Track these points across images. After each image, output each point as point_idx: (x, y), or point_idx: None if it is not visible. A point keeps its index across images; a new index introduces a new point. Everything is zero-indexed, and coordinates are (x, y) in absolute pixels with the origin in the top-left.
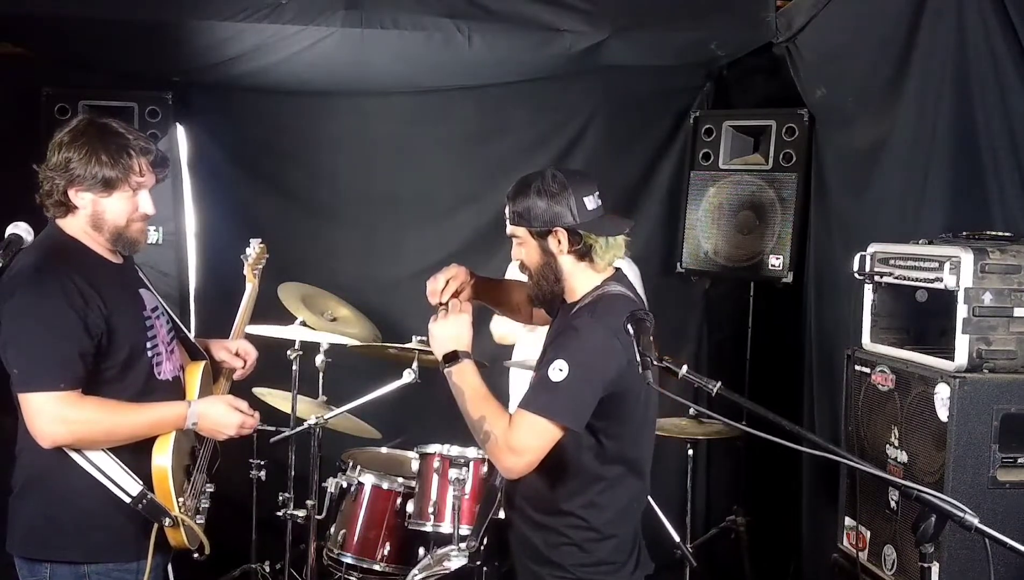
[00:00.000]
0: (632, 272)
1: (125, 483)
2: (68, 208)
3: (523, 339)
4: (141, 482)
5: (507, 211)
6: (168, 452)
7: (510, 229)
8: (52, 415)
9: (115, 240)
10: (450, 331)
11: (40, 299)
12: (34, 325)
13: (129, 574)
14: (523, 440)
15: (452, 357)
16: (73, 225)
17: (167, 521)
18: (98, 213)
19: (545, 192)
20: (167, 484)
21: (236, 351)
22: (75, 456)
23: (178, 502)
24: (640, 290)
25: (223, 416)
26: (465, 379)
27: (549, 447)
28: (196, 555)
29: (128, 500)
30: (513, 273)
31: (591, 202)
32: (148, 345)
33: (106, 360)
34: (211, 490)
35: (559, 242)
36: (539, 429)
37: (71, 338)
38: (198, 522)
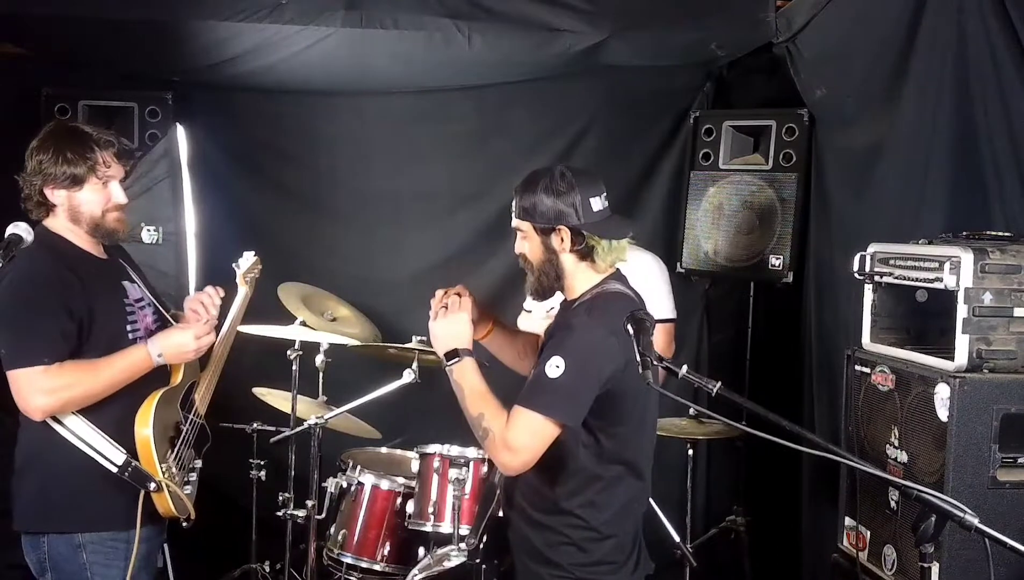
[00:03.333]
0: (658, 268)
1: (111, 454)
2: (47, 207)
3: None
4: (125, 451)
5: (514, 204)
6: (149, 423)
7: (515, 222)
8: (39, 388)
9: (94, 230)
10: (450, 329)
11: (23, 284)
12: (18, 308)
13: (121, 543)
14: (520, 438)
15: (452, 355)
16: (56, 224)
17: (152, 486)
18: (74, 207)
19: (552, 190)
20: (150, 451)
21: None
22: (64, 433)
23: (161, 467)
24: (666, 288)
25: (178, 337)
26: (465, 377)
27: (546, 444)
28: (184, 523)
29: (115, 469)
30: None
31: (597, 203)
32: (129, 330)
33: (87, 344)
34: (199, 466)
35: (562, 240)
36: (535, 426)
37: (53, 318)
38: (186, 492)
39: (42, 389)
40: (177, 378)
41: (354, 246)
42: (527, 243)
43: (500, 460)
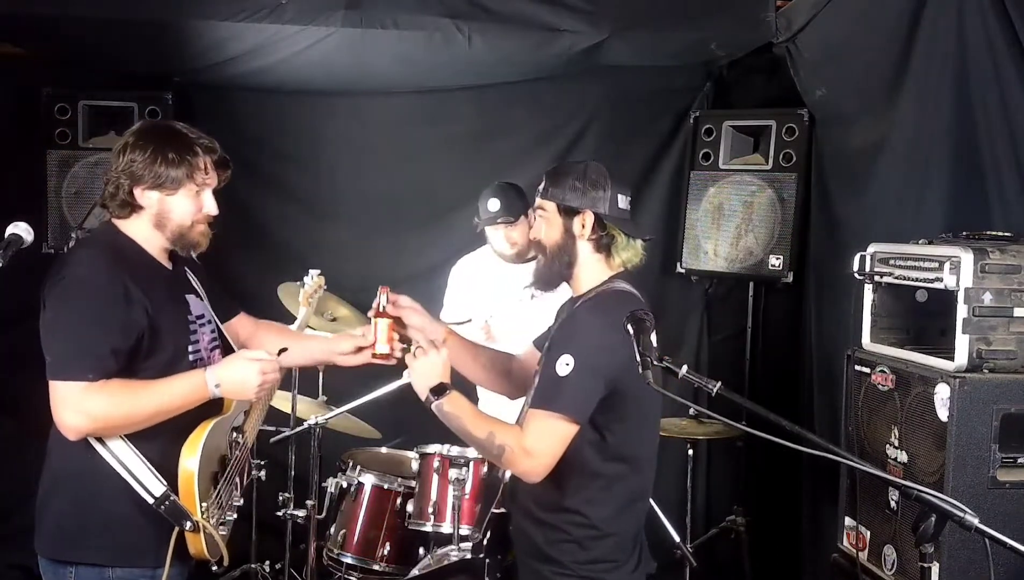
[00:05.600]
0: None
1: (150, 483)
2: (132, 208)
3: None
4: (166, 483)
5: (540, 186)
6: (197, 455)
7: (539, 201)
8: (77, 406)
9: (176, 240)
10: (434, 364)
11: (83, 290)
12: (73, 315)
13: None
14: (538, 441)
15: (440, 389)
16: (132, 226)
17: (188, 525)
18: (164, 212)
19: (586, 177)
20: (192, 487)
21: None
22: (104, 453)
23: (201, 506)
24: None
25: (242, 370)
26: (459, 404)
27: (565, 444)
28: (214, 567)
29: (151, 501)
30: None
31: (623, 202)
32: (191, 349)
33: (147, 360)
34: (239, 504)
35: (583, 225)
36: (552, 427)
37: (106, 332)
38: (221, 533)
39: (80, 408)
40: (230, 406)
41: (354, 246)
42: (545, 225)
43: (522, 469)
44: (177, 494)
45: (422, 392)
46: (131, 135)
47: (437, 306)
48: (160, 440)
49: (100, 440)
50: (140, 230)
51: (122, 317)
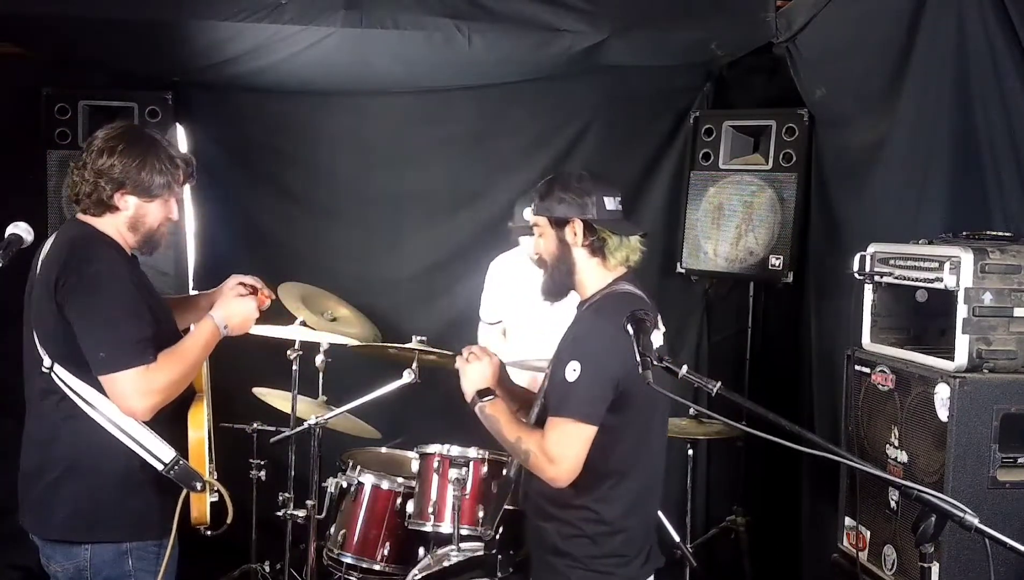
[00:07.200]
0: None
1: (159, 450)
2: (108, 208)
3: (509, 348)
4: (175, 449)
5: (533, 204)
6: (203, 427)
7: (532, 219)
8: (146, 388)
9: (145, 241)
10: (483, 370)
11: (112, 282)
12: (113, 307)
13: (156, 548)
14: (556, 447)
15: (486, 392)
16: (105, 224)
17: (198, 485)
18: (140, 216)
19: (569, 187)
20: (203, 452)
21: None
22: (112, 430)
23: (208, 468)
24: None
25: (242, 306)
26: (499, 408)
27: (585, 448)
28: (209, 532)
29: (160, 467)
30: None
31: (611, 203)
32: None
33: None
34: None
35: (575, 233)
36: (568, 432)
37: (142, 316)
38: (212, 499)
39: (147, 390)
40: (204, 389)
41: (354, 246)
42: (542, 240)
43: (550, 475)
44: (187, 458)
45: (469, 394)
46: (114, 140)
47: (437, 304)
48: (162, 412)
49: (108, 419)
50: (114, 229)
51: (146, 302)
